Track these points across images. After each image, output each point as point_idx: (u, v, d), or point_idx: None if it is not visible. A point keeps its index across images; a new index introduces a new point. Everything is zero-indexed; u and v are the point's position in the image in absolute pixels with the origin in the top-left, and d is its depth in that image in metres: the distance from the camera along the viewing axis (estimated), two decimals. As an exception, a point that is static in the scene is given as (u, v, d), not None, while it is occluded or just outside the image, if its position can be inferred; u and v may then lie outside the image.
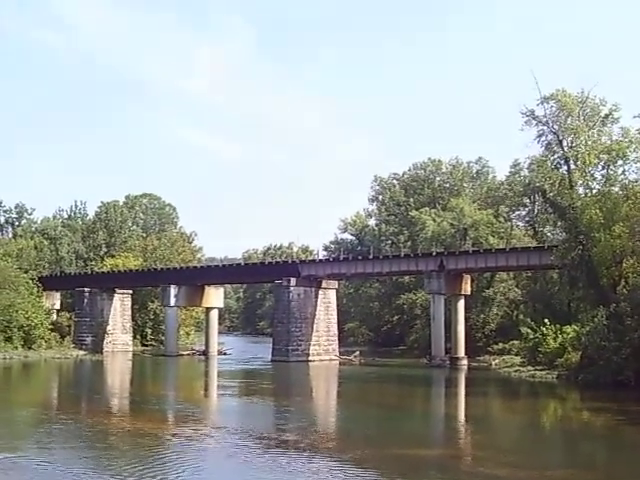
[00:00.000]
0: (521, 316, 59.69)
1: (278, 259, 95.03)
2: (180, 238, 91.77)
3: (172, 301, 68.04)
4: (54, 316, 74.00)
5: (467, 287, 59.08)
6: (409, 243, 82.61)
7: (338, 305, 66.69)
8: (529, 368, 46.51)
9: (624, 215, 40.83)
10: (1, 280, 61.76)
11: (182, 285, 68.52)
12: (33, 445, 21.12)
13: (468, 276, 59.31)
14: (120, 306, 75.30)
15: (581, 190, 47.09)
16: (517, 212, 71.97)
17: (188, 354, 69.43)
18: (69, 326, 73.66)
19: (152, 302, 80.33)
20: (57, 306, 78.15)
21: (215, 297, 71.77)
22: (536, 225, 66.53)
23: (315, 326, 61.36)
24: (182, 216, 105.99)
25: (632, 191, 41.90)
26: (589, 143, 46.82)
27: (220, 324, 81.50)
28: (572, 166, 47.02)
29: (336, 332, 63.98)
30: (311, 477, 17.07)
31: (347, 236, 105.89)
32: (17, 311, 60.34)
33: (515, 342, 55.48)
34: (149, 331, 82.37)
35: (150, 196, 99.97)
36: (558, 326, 45.95)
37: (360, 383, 45.78)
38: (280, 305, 61.70)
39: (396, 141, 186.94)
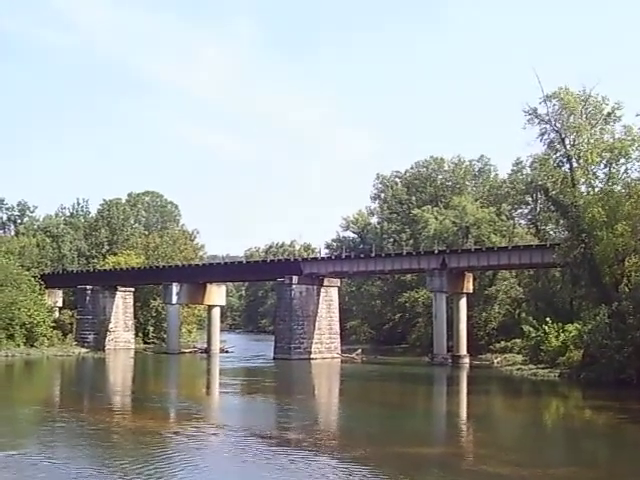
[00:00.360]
0: (523, 314, 59.81)
1: (280, 257, 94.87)
2: (182, 236, 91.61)
3: (174, 299, 68.01)
4: (56, 314, 74.07)
5: (469, 285, 59.02)
6: (411, 241, 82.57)
7: (340, 303, 66.61)
8: (531, 366, 46.47)
9: (626, 213, 40.72)
10: (3, 278, 61.69)
11: (184, 283, 68.46)
12: (35, 443, 21.13)
13: (470, 274, 59.22)
14: (122, 304, 75.28)
15: (583, 188, 46.95)
16: (519, 210, 72.10)
17: (190, 352, 69.45)
18: (71, 324, 73.76)
19: (154, 300, 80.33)
20: (59, 304, 78.35)
21: (217, 295, 71.71)
22: (538, 223, 66.50)
23: (317, 324, 61.37)
24: (184, 214, 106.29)
25: (634, 189, 41.74)
26: (591, 141, 46.69)
27: (222, 322, 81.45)
28: (574, 164, 46.90)
29: (338, 330, 63.93)
30: (313, 475, 17.03)
31: (349, 234, 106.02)
32: (19, 309, 60.27)
33: (517, 340, 55.56)
34: (151, 329, 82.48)
35: (152, 194, 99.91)
36: (560, 324, 45.91)
37: (362, 381, 45.69)
38: (282, 303, 61.67)
39: (398, 139, 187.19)
